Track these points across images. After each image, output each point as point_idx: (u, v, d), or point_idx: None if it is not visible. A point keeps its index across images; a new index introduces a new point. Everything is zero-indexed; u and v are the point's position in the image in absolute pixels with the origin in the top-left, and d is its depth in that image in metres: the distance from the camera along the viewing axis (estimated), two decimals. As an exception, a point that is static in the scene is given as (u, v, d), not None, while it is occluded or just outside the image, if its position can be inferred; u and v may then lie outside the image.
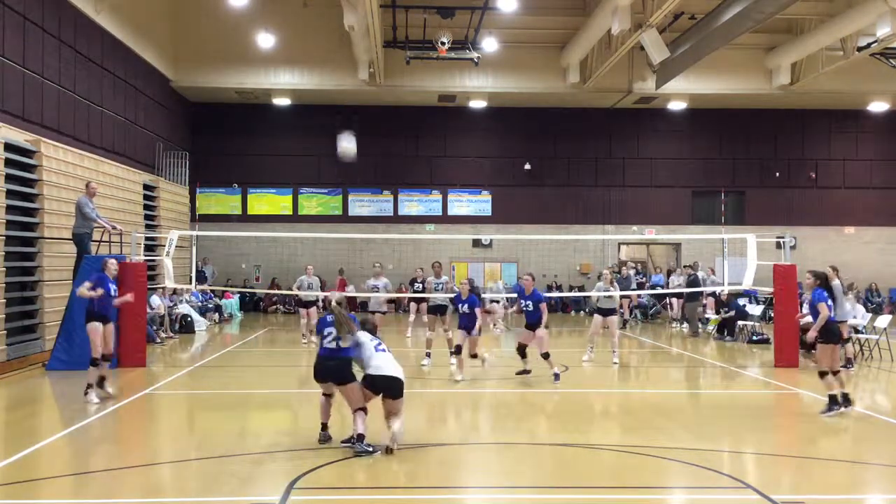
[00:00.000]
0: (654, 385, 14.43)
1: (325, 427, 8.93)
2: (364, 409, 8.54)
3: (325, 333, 8.73)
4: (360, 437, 8.40)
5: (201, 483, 7.63)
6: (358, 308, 24.91)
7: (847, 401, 10.45)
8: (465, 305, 13.54)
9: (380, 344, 8.86)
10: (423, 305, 16.66)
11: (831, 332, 10.44)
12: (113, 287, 11.84)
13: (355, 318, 8.94)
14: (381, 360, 8.67)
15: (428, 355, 15.11)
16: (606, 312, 15.79)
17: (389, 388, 8.60)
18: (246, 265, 30.58)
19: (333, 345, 8.68)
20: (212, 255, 29.38)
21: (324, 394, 8.98)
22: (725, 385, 14.21)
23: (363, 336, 8.85)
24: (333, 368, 8.66)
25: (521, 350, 13.53)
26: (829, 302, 10.44)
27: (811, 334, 10.55)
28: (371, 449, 8.36)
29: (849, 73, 26.63)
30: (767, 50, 27.89)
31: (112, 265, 12.21)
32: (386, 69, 27.21)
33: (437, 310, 15.42)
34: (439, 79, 28.00)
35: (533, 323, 13.51)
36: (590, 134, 31.38)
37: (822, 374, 10.48)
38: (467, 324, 13.46)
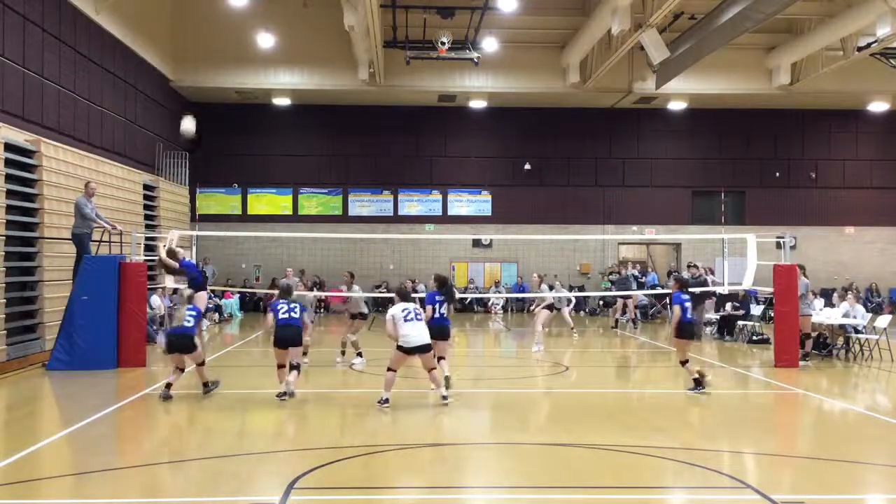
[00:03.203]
0: (653, 385, 14.42)
1: None
2: None
3: None
4: None
5: (201, 483, 7.62)
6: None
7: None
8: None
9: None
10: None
11: (683, 330, 12.28)
12: None
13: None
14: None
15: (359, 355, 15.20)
16: (550, 308, 18.39)
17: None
18: (246, 265, 30.58)
19: None
20: (212, 255, 29.37)
21: None
22: (725, 385, 14.20)
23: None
24: None
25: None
26: (687, 304, 12.14)
27: (671, 331, 12.61)
28: None
29: (849, 73, 26.64)
30: (767, 50, 27.89)
31: None
32: (386, 69, 27.21)
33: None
34: (439, 79, 28.00)
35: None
36: (590, 134, 31.38)
37: (683, 363, 12.39)
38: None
